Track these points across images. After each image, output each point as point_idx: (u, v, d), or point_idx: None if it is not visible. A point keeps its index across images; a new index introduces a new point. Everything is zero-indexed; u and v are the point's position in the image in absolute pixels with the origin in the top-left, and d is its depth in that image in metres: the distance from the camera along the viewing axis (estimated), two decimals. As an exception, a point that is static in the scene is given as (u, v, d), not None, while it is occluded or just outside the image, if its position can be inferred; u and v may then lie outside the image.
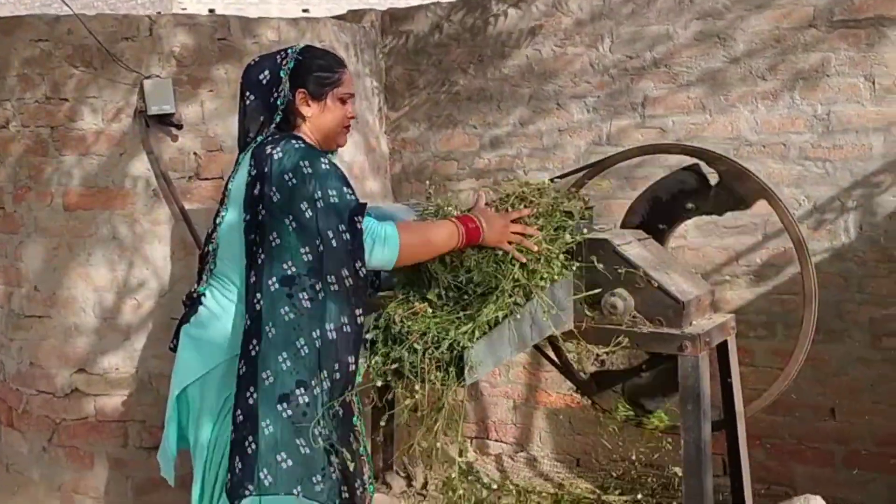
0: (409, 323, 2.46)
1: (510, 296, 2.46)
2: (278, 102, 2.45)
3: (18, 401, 3.79)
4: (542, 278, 2.54)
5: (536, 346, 3.35)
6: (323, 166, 2.33)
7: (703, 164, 2.95)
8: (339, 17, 4.31)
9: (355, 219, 2.30)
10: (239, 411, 2.26)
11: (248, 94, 2.49)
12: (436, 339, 2.40)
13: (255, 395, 2.24)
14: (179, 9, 16.95)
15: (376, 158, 4.34)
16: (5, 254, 3.72)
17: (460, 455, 4.18)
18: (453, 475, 3.02)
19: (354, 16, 4.40)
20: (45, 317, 3.64)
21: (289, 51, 2.50)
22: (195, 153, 3.58)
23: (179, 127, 3.53)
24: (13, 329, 3.75)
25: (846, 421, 3.57)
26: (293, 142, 2.37)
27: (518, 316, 2.48)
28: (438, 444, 3.96)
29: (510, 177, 2.90)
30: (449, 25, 4.19)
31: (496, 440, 4.40)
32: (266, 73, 2.47)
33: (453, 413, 2.66)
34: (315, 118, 2.49)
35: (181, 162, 3.58)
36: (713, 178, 2.95)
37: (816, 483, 3.63)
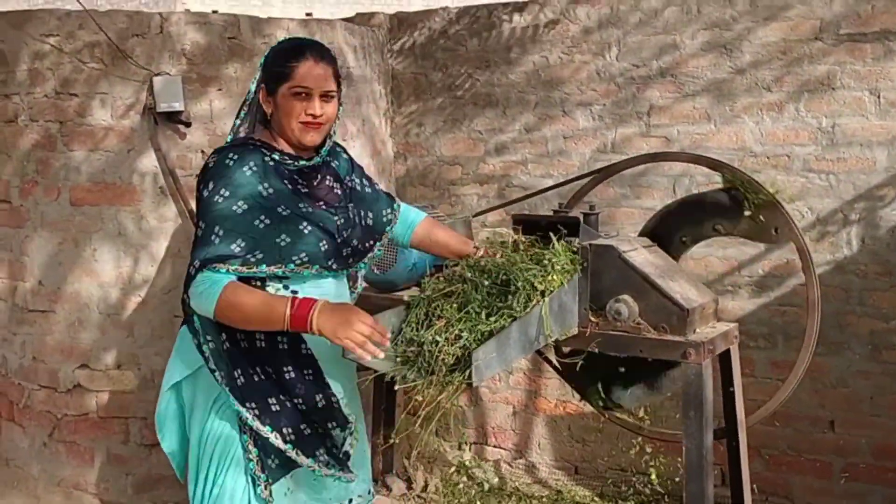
0: (440, 310, 2.50)
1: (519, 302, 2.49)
2: (247, 97, 2.45)
3: (20, 395, 3.80)
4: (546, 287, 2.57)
5: (539, 353, 3.37)
6: (216, 198, 2.26)
7: (740, 190, 2.95)
8: (347, 20, 4.32)
9: (194, 264, 2.26)
10: None
11: None
12: (457, 334, 2.43)
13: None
14: (183, 9, 16.96)
15: (382, 161, 4.36)
16: (10, 248, 3.73)
17: (459, 449, 4.21)
18: (452, 470, 3.02)
19: (363, 18, 4.42)
20: (49, 311, 3.65)
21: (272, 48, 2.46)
22: (203, 151, 3.59)
23: (188, 124, 3.54)
24: (17, 323, 3.75)
25: (845, 433, 3.58)
26: (226, 151, 2.35)
27: (525, 319, 2.49)
28: (437, 446, 3.98)
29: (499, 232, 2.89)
30: (456, 30, 4.21)
31: (495, 446, 4.40)
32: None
33: (451, 415, 2.68)
34: (274, 116, 2.39)
35: (188, 159, 3.59)
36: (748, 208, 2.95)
37: (814, 495, 3.65)
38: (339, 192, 2.50)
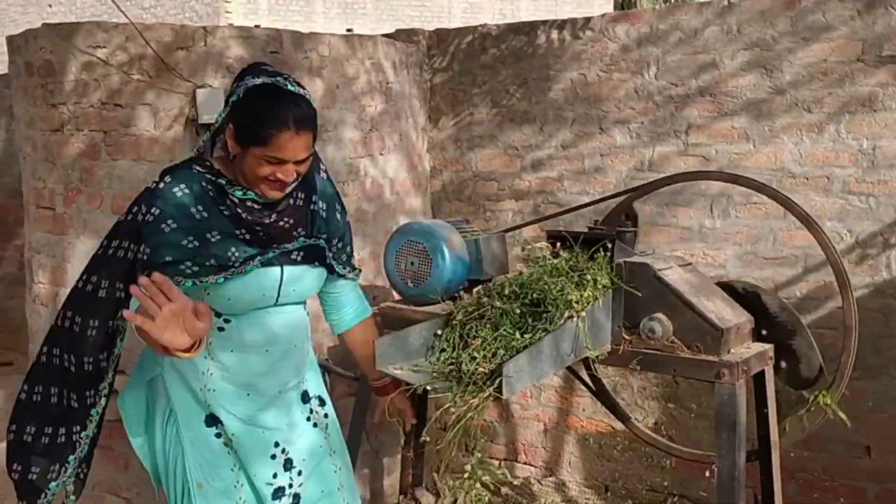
0: (476, 329, 2.53)
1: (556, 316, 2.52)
2: (214, 123, 2.31)
3: (58, 399, 3.85)
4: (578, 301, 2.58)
5: (571, 370, 3.37)
6: (147, 217, 2.20)
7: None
8: (387, 36, 4.37)
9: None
10: None
11: None
12: (494, 352, 2.45)
13: None
14: (226, 24, 17.22)
15: (418, 176, 4.39)
16: (53, 254, 3.80)
17: (481, 464, 4.20)
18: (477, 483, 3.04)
19: (403, 34, 4.46)
20: (89, 317, 3.71)
21: (247, 78, 2.22)
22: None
23: (229, 136, 3.60)
24: (57, 328, 3.81)
25: (881, 459, 3.53)
26: (175, 169, 2.28)
27: (557, 334, 2.50)
28: (466, 461, 3.97)
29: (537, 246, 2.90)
30: (495, 47, 4.24)
31: (525, 463, 4.40)
32: (234, 85, 2.28)
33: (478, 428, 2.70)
34: (238, 159, 2.24)
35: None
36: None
37: (848, 520, 3.60)
38: (297, 227, 2.37)
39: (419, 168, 4.41)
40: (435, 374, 2.54)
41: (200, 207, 2.23)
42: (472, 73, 4.32)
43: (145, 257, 2.20)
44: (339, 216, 2.53)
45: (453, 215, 4.37)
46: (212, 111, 3.51)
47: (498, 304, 2.62)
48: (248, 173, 2.22)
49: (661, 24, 3.82)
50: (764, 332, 2.85)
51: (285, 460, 2.43)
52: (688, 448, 3.43)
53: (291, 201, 2.35)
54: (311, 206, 2.41)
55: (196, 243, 2.22)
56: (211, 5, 17.32)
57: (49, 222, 3.79)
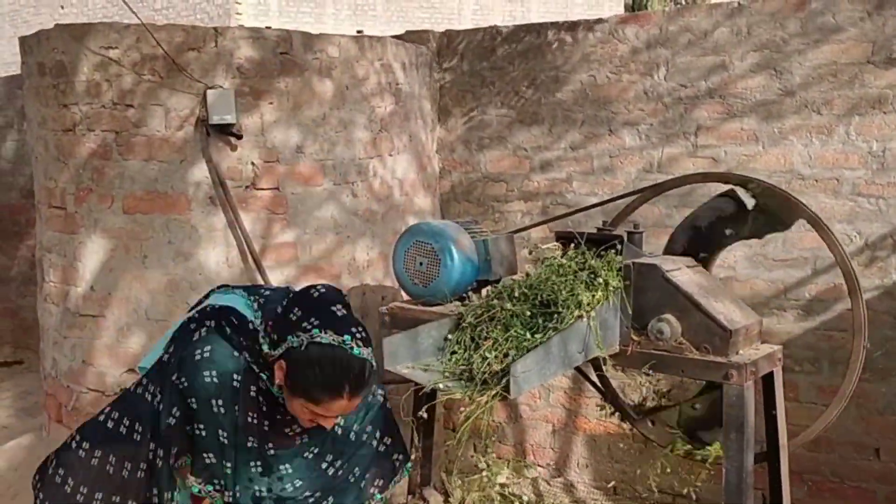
0: (487, 330, 2.54)
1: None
2: (261, 348, 2.17)
3: (69, 397, 3.88)
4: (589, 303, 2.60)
5: (580, 371, 3.37)
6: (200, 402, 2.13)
7: (739, 190, 2.95)
8: (397, 37, 4.38)
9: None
10: None
11: None
12: (505, 353, 2.46)
13: None
14: (237, 25, 17.27)
15: (427, 177, 4.40)
16: (64, 253, 3.82)
17: (487, 467, 4.20)
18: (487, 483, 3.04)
19: (413, 36, 4.47)
20: (100, 316, 3.73)
21: (313, 320, 2.08)
22: (253, 163, 3.66)
23: (239, 137, 3.61)
24: (68, 327, 3.84)
25: (891, 461, 3.53)
26: (218, 343, 2.15)
27: (565, 334, 2.50)
28: (475, 461, 3.98)
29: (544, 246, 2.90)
30: (505, 48, 4.25)
31: (534, 464, 4.40)
32: (291, 313, 2.14)
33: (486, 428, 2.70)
34: (284, 392, 2.13)
35: (239, 171, 3.66)
36: (750, 203, 2.95)
37: (858, 523, 3.59)
38: (306, 432, 2.25)
39: (428, 169, 4.42)
40: (446, 375, 2.55)
41: (220, 402, 2.15)
42: (482, 75, 4.33)
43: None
44: (367, 440, 2.36)
45: (462, 216, 4.38)
46: (222, 111, 3.54)
47: (508, 306, 2.63)
48: (288, 406, 2.14)
49: (671, 26, 3.82)
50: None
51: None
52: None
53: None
54: (337, 429, 2.30)
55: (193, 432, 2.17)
56: (222, 7, 17.36)
57: (60, 221, 3.82)
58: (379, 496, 2.36)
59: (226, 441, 2.16)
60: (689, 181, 3.26)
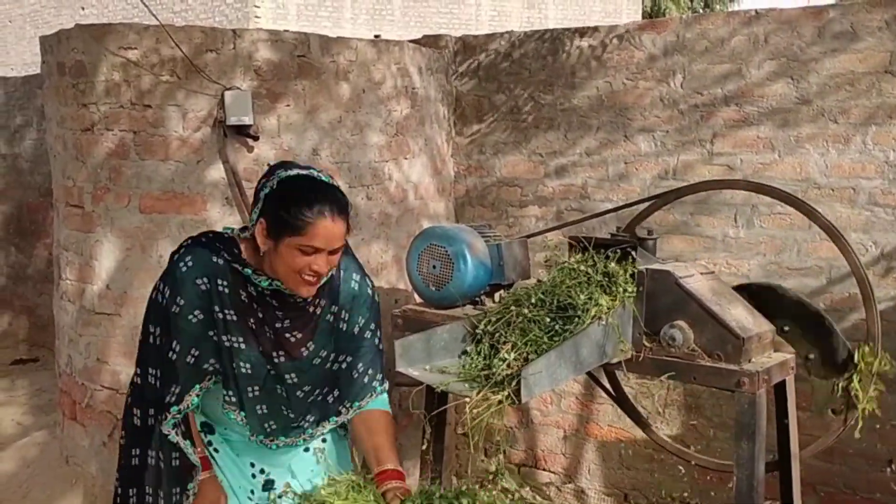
0: (506, 334, 2.55)
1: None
2: (251, 221, 2.23)
3: (83, 395, 3.91)
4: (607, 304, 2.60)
5: (592, 376, 3.37)
6: (173, 307, 2.19)
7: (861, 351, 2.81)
8: (414, 41, 4.40)
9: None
10: None
11: None
12: (525, 354, 2.48)
13: None
14: (255, 27, 17.35)
15: (442, 181, 4.41)
16: (81, 251, 3.85)
17: (496, 472, 4.20)
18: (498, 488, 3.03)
19: (429, 40, 4.49)
20: (115, 315, 3.76)
21: (278, 172, 2.19)
22: (269, 164, 3.67)
23: (256, 138, 3.64)
24: (83, 325, 3.87)
25: (904, 473, 3.50)
26: (190, 259, 2.22)
27: (577, 339, 2.51)
28: (486, 465, 3.98)
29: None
30: (521, 53, 4.26)
31: (544, 469, 4.39)
32: (259, 184, 2.23)
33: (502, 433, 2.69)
34: (269, 254, 2.19)
35: (255, 172, 3.67)
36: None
37: (870, 534, 3.57)
38: (308, 351, 2.33)
39: (443, 173, 4.43)
40: (459, 377, 2.56)
41: (217, 307, 2.22)
42: (498, 80, 4.34)
43: (174, 356, 2.21)
44: (358, 320, 2.39)
45: (476, 220, 4.38)
46: (239, 112, 3.56)
47: (526, 311, 2.63)
48: (280, 269, 2.17)
49: (688, 33, 3.81)
50: (785, 328, 2.84)
51: (265, 481, 2.42)
52: (708, 457, 3.41)
53: (310, 307, 2.31)
54: (329, 316, 2.35)
55: (217, 338, 2.24)
56: (240, 10, 17.46)
57: (77, 220, 3.85)
58: (379, 388, 2.42)
59: (226, 346, 2.23)
60: (702, 188, 3.25)
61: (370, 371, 2.40)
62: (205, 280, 2.20)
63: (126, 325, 3.74)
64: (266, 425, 2.31)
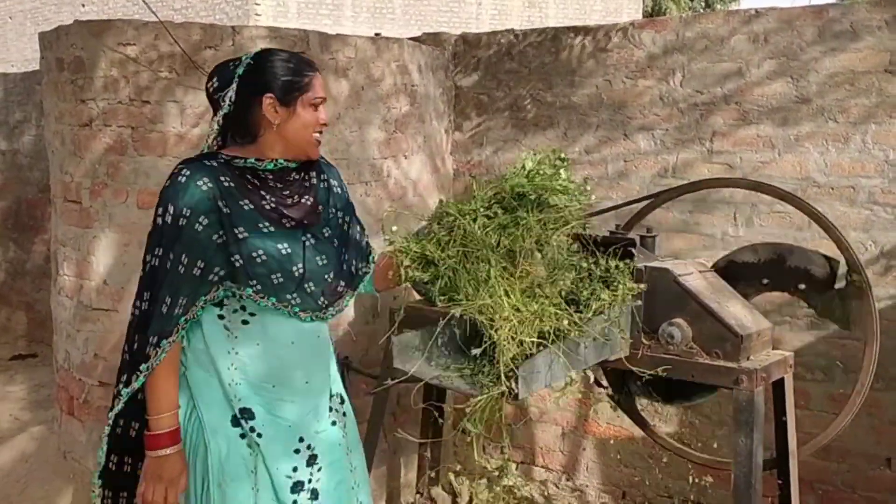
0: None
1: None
2: (222, 112, 2.33)
3: (80, 390, 3.90)
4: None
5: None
6: (181, 220, 2.21)
7: (842, 265, 2.89)
8: (414, 39, 4.39)
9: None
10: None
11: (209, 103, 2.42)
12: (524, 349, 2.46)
13: None
14: (255, 24, 17.32)
15: (441, 178, 4.41)
16: (78, 247, 3.84)
17: (498, 471, 4.20)
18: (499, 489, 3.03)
19: (429, 38, 4.49)
20: (112, 310, 3.75)
21: (243, 57, 2.35)
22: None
23: (254, 135, 3.63)
24: (80, 321, 3.86)
25: (902, 472, 3.50)
26: (183, 169, 2.25)
27: (575, 335, 2.50)
28: (484, 462, 3.98)
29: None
30: (521, 51, 4.25)
31: (543, 467, 4.39)
32: (215, 80, 2.34)
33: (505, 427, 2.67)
34: (282, 125, 2.31)
35: (253, 169, 3.67)
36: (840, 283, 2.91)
37: (868, 533, 3.57)
38: (320, 212, 2.43)
39: (442, 171, 4.43)
40: (459, 375, 2.54)
41: (223, 203, 2.25)
42: (497, 78, 4.33)
43: (182, 269, 2.22)
44: (346, 191, 2.59)
45: (475, 218, 4.37)
46: (238, 109, 3.54)
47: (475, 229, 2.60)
48: (299, 132, 2.32)
49: (688, 32, 3.81)
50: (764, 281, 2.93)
51: (310, 456, 2.42)
52: (706, 455, 3.41)
53: (309, 180, 2.43)
54: (322, 184, 2.47)
55: (224, 238, 2.25)
56: (241, 7, 17.46)
57: (75, 215, 3.84)
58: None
59: (245, 237, 2.26)
60: (700, 187, 3.25)
61: (356, 259, 2.56)
62: (205, 180, 2.24)
63: (123, 321, 3.70)
64: (297, 300, 2.34)
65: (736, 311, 2.72)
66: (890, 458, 3.52)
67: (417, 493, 3.63)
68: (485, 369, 2.51)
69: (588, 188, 2.72)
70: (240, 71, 2.30)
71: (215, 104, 2.35)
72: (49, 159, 4.17)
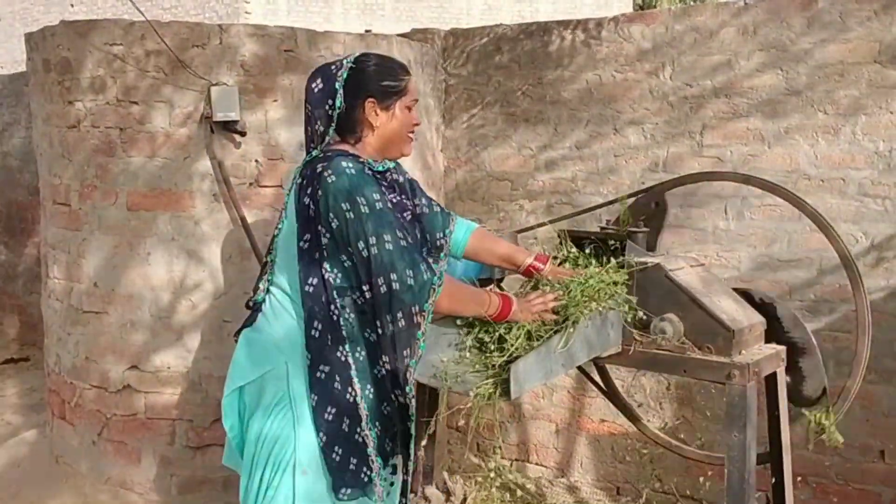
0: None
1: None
2: (332, 114, 2.45)
3: (72, 394, 3.89)
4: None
5: (582, 370, 3.36)
6: (377, 204, 2.36)
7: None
8: (403, 35, 4.37)
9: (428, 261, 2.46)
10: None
11: (306, 104, 2.51)
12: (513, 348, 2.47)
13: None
14: (244, 22, 17.26)
15: (432, 175, 4.39)
16: (68, 250, 3.83)
17: (494, 470, 4.19)
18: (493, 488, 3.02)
19: (418, 34, 4.47)
20: (103, 313, 3.74)
21: (343, 61, 2.49)
22: (256, 160, 3.66)
23: (243, 134, 3.61)
24: (71, 323, 3.84)
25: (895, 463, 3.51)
26: (343, 163, 2.36)
27: (568, 335, 2.49)
28: (478, 460, 3.96)
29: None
30: (510, 47, 4.24)
31: (537, 463, 4.38)
32: (319, 82, 2.47)
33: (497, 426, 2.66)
34: (383, 127, 2.49)
35: (242, 168, 3.66)
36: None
37: (862, 525, 3.57)
38: (407, 201, 2.63)
39: (433, 167, 4.41)
40: (453, 374, 2.53)
41: (374, 189, 2.42)
42: (487, 73, 4.32)
43: (405, 244, 2.38)
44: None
45: (466, 215, 4.36)
46: (226, 108, 3.54)
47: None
48: (397, 133, 2.51)
49: (677, 25, 3.80)
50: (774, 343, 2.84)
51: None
52: (700, 450, 3.40)
53: (397, 178, 2.62)
54: (407, 183, 2.67)
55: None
56: (231, 5, 17.39)
57: (64, 218, 3.82)
58: (450, 213, 2.82)
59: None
60: (688, 181, 3.23)
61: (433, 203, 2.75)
62: (363, 168, 2.42)
63: (114, 324, 3.72)
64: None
65: (727, 305, 2.70)
66: (883, 451, 3.52)
67: (412, 492, 3.61)
68: (478, 368, 2.50)
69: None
70: (344, 75, 2.44)
71: (317, 104, 2.47)
72: (38, 161, 4.15)
